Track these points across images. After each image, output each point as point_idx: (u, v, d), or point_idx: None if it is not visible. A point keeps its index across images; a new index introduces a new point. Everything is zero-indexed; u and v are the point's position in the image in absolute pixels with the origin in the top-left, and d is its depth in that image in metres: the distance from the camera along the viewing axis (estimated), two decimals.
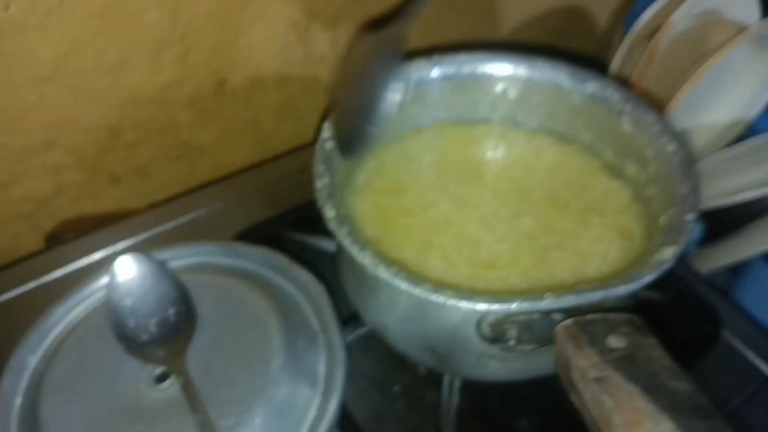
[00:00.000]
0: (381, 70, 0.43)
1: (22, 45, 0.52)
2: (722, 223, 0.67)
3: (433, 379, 0.49)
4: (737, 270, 0.66)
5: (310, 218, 0.56)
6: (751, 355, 0.49)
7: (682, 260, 0.68)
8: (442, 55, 0.50)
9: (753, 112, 0.74)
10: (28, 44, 0.53)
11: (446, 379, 0.45)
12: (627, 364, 0.28)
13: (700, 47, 0.68)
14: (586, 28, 0.94)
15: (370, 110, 0.43)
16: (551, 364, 0.41)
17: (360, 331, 0.48)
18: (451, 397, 0.44)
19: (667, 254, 0.36)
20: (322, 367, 0.43)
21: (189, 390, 0.39)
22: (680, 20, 0.64)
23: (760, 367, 0.48)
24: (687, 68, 0.65)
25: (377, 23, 0.44)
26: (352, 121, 0.44)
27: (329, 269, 0.49)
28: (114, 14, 0.55)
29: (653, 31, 0.65)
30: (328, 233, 0.53)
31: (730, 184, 0.65)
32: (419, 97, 0.50)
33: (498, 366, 0.40)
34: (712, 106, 0.74)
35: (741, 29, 0.65)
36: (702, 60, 0.63)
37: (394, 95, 0.45)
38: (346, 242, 0.37)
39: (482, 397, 0.49)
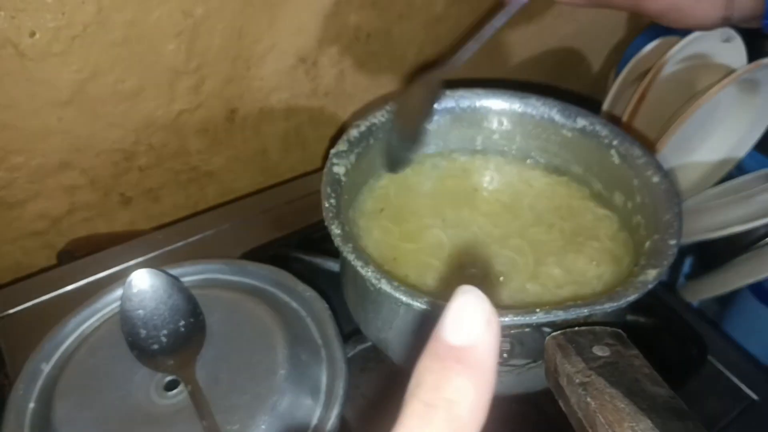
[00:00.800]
0: (427, 103, 0.52)
1: (45, 70, 0.55)
2: (711, 257, 0.70)
3: None
4: (725, 302, 0.69)
5: (314, 240, 0.59)
6: (736, 380, 0.51)
7: (672, 289, 0.70)
8: (443, 90, 0.53)
9: (741, 152, 0.76)
10: (51, 70, 0.56)
11: None
12: (610, 370, 0.31)
13: (689, 89, 0.71)
14: (581, 69, 0.98)
15: (416, 135, 0.52)
16: (541, 381, 0.43)
17: (361, 347, 0.50)
18: None
19: (651, 275, 0.39)
20: (323, 380, 0.45)
21: (197, 398, 0.41)
22: (670, 63, 0.67)
23: (745, 392, 0.50)
24: (676, 109, 0.68)
25: (428, 68, 0.53)
26: (403, 144, 0.52)
27: (332, 288, 0.51)
28: (133, 44, 0.58)
29: (644, 73, 0.69)
30: (331, 254, 0.56)
31: (718, 219, 0.68)
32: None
33: None
34: (701, 145, 0.77)
35: (729, 72, 0.68)
36: (691, 101, 0.66)
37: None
38: (351, 258, 0.39)
39: None
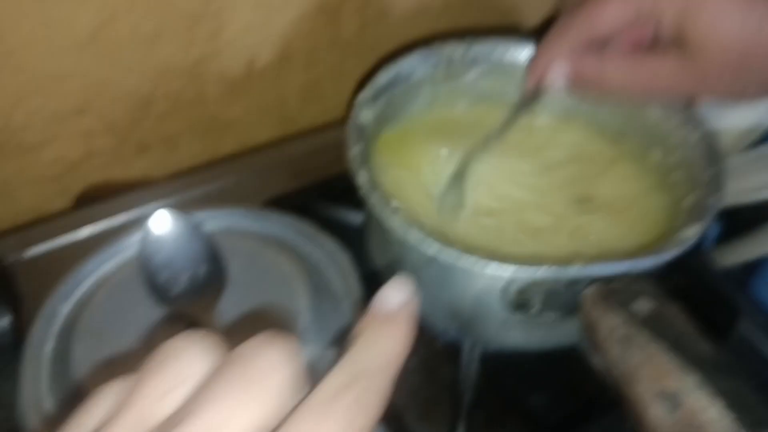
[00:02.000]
0: None
1: (63, 12, 0.54)
2: (740, 222, 0.68)
3: (448, 354, 0.50)
4: (753, 268, 0.67)
5: (335, 192, 0.58)
6: (766, 345, 0.50)
7: (700, 253, 0.69)
8: (475, 38, 0.51)
9: None
10: (69, 11, 0.54)
11: (466, 347, 0.46)
12: (653, 324, 0.29)
13: None
14: None
15: None
16: (572, 335, 0.42)
17: None
18: (470, 365, 0.45)
19: (692, 232, 0.37)
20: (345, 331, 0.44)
21: None
22: None
23: None
24: None
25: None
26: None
27: (354, 240, 0.50)
28: None
29: None
30: (354, 206, 0.54)
31: (748, 183, 0.66)
32: (450, 77, 0.51)
33: (520, 334, 0.41)
34: (732, 110, 0.75)
35: None
36: None
37: None
38: (378, 207, 0.38)
39: (499, 371, 0.49)
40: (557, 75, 0.45)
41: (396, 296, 0.24)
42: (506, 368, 0.50)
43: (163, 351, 0.20)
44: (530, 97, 0.47)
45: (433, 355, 0.51)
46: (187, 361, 0.20)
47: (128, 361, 0.38)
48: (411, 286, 0.25)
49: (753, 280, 0.67)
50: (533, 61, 0.47)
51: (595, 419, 0.44)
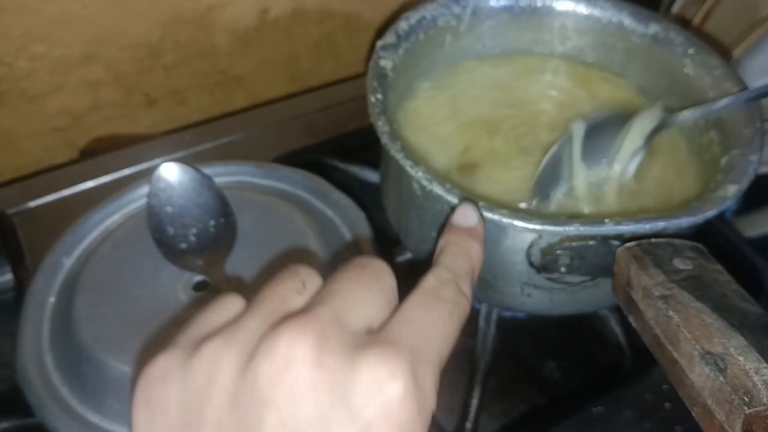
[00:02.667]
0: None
1: None
2: (764, 191, 0.66)
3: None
4: None
5: (349, 149, 0.56)
6: None
7: (725, 219, 0.67)
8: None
9: None
10: None
11: (483, 311, 0.44)
12: (694, 284, 0.27)
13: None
14: None
15: None
16: (594, 301, 0.41)
17: (399, 259, 0.47)
18: (488, 329, 0.43)
19: (730, 191, 0.35)
20: None
21: None
22: None
23: None
24: (753, 17, 0.62)
25: None
26: None
27: (368, 198, 0.48)
28: None
29: None
30: (368, 163, 0.52)
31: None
32: (475, 26, 0.48)
33: (541, 297, 0.39)
34: (766, 72, 0.72)
35: None
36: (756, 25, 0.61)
37: None
38: (399, 157, 0.36)
39: (513, 339, 0.48)
40: None
41: (472, 214, 0.31)
42: (520, 335, 0.49)
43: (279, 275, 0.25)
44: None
45: None
46: (305, 274, 0.25)
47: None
48: (478, 209, 0.32)
49: None
50: None
51: (609, 389, 0.43)
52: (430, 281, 0.25)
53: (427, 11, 0.46)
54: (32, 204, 0.50)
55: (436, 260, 0.27)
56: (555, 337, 0.49)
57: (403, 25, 0.45)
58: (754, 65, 0.68)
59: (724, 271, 0.29)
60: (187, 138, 0.56)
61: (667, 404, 0.41)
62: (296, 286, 0.24)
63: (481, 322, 0.44)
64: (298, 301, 0.23)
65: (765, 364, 0.24)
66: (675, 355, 0.26)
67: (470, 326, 0.47)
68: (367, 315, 0.22)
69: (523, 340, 0.49)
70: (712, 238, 0.53)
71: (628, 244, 0.31)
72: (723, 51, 0.54)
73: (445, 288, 0.25)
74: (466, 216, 0.31)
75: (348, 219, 0.46)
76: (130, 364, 0.37)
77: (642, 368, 0.44)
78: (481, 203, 0.33)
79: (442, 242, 0.29)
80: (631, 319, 0.30)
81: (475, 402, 0.41)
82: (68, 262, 0.43)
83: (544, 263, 0.36)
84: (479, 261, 0.29)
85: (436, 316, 0.23)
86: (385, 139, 0.37)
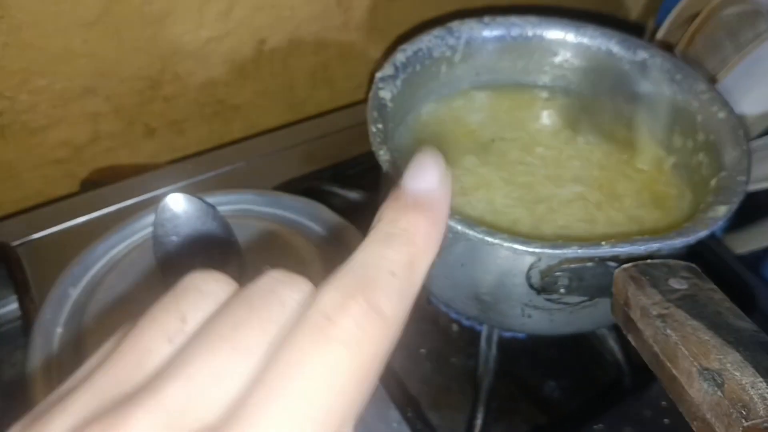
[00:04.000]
0: None
1: None
2: (753, 208, 0.67)
3: (464, 341, 0.49)
4: (765, 256, 0.67)
5: (348, 176, 0.57)
6: None
7: (716, 238, 0.68)
8: (493, 17, 0.50)
9: None
10: None
11: (485, 333, 0.45)
12: (690, 302, 0.29)
13: (739, 36, 0.68)
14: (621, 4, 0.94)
15: None
16: (593, 321, 0.42)
17: None
18: (489, 351, 0.44)
19: (720, 211, 0.37)
20: None
21: None
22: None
23: None
24: (736, 44, 0.64)
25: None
26: None
27: (366, 223, 0.49)
28: None
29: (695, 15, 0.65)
30: (366, 188, 0.53)
31: (761, 171, 0.65)
32: (469, 56, 0.50)
33: (541, 318, 0.40)
34: (746, 96, 0.74)
35: None
36: (736, 51, 0.63)
37: None
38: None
39: (513, 360, 0.49)
40: None
41: (431, 171, 0.20)
42: (520, 355, 0.50)
43: (178, 284, 0.19)
44: None
45: (447, 342, 0.50)
46: (193, 298, 0.18)
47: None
48: (443, 161, 0.20)
49: (765, 266, 0.66)
50: None
51: (610, 407, 0.44)
52: (318, 307, 0.16)
53: (423, 43, 0.47)
54: (36, 236, 0.51)
55: (353, 255, 0.18)
56: (555, 356, 0.50)
57: (400, 56, 0.46)
58: (737, 87, 0.70)
59: (718, 290, 0.30)
60: (188, 168, 0.57)
61: (665, 420, 0.42)
62: (170, 327, 0.17)
63: (483, 344, 0.45)
64: (159, 356, 0.17)
65: (761, 379, 0.25)
66: (674, 371, 0.27)
67: (467, 347, 0.48)
68: (235, 385, 0.15)
69: (523, 360, 0.50)
70: (704, 256, 0.54)
71: (625, 266, 0.32)
72: (707, 74, 0.56)
73: (339, 317, 0.16)
74: (420, 173, 0.20)
75: (348, 244, 0.47)
76: None
77: (640, 385, 0.45)
78: (481, 228, 0.35)
79: (381, 208, 0.20)
80: (630, 338, 0.31)
81: (479, 423, 0.41)
82: (75, 293, 0.44)
83: (544, 285, 0.37)
84: (429, 247, 0.19)
85: (320, 370, 0.15)
86: (386, 167, 0.38)
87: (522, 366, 0.49)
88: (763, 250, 0.67)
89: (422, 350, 0.50)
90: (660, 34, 0.65)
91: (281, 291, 0.18)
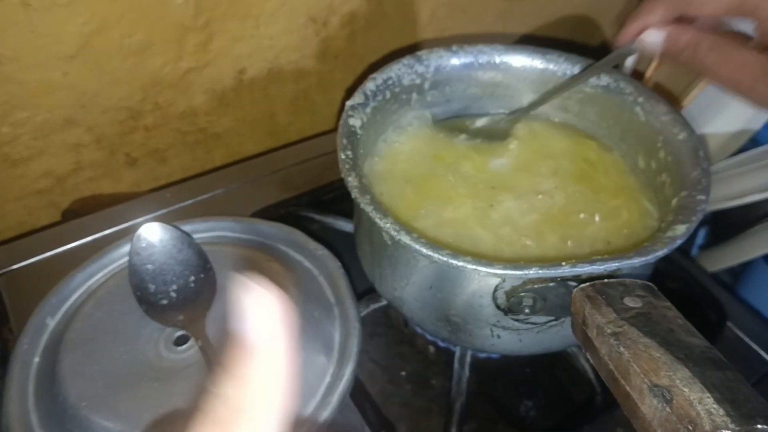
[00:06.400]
0: None
1: (50, 22, 0.53)
2: (726, 227, 0.69)
3: (442, 363, 0.50)
4: (739, 272, 0.68)
5: (324, 201, 0.58)
6: (755, 346, 0.50)
7: (689, 256, 0.69)
8: (461, 45, 0.52)
9: (757, 124, 0.75)
10: (56, 21, 0.54)
11: (458, 353, 0.46)
12: (643, 320, 0.29)
13: None
14: (598, 34, 0.96)
15: None
16: (561, 340, 0.42)
17: (374, 306, 0.49)
18: (462, 371, 0.45)
19: (680, 231, 0.37)
20: (337, 338, 0.43)
21: (207, 352, 0.40)
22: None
23: (765, 357, 0.49)
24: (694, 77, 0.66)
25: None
26: None
27: (344, 248, 0.50)
28: None
29: None
30: (343, 214, 0.54)
31: (733, 189, 0.67)
32: (438, 84, 0.51)
33: (510, 338, 0.41)
34: (718, 116, 0.75)
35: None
36: None
37: None
38: (369, 210, 0.38)
39: (490, 380, 0.50)
40: (654, 36, 0.45)
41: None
42: (496, 376, 0.50)
43: None
44: (619, 55, 0.47)
45: (425, 365, 0.51)
46: None
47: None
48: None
49: (739, 283, 0.67)
50: (632, 17, 0.46)
51: (582, 424, 0.44)
52: None
53: (392, 71, 0.49)
54: (16, 266, 0.51)
55: None
56: (530, 375, 0.51)
57: (370, 85, 0.47)
58: (700, 113, 0.72)
59: (672, 307, 0.31)
60: (168, 196, 0.58)
61: None
62: None
63: (456, 365, 0.45)
64: None
65: (708, 394, 0.25)
66: (627, 388, 0.27)
67: (445, 369, 0.49)
68: None
69: (498, 380, 0.50)
70: (676, 275, 0.55)
71: (583, 285, 0.33)
72: (673, 100, 0.58)
73: None
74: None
75: (325, 269, 0.47)
76: (115, 421, 0.38)
77: (612, 403, 0.45)
78: (445, 251, 0.35)
79: None
80: (589, 355, 0.31)
81: None
82: (52, 323, 0.45)
83: (510, 305, 0.38)
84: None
85: None
86: (355, 194, 0.39)
87: (498, 386, 0.50)
88: (736, 271, 0.68)
89: (402, 373, 0.51)
90: (630, 62, 0.66)
91: None
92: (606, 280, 0.33)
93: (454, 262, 0.35)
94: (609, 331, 0.29)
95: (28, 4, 0.52)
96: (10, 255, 0.52)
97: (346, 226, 0.53)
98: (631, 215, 0.46)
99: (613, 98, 0.49)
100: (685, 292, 0.53)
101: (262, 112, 0.71)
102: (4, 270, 0.51)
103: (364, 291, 0.49)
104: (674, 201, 0.41)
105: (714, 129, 0.75)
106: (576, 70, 0.50)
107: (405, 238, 0.36)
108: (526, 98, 0.53)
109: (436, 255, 0.36)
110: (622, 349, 0.28)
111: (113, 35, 0.57)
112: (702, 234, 0.74)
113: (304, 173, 0.62)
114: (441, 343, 0.50)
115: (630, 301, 0.31)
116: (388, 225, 0.37)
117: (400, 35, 0.75)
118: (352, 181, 0.40)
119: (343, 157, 0.41)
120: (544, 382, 0.50)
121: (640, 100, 0.48)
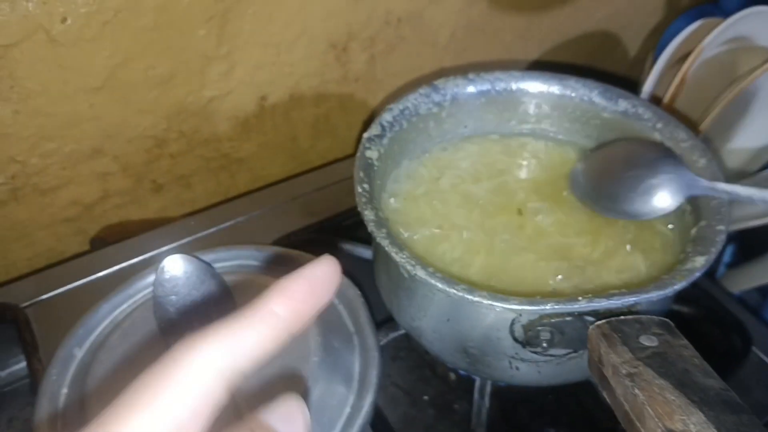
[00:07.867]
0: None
1: (77, 56, 0.55)
2: (753, 245, 0.68)
3: (463, 389, 0.50)
4: (767, 292, 0.66)
5: (345, 227, 0.58)
6: None
7: (713, 279, 0.68)
8: (477, 72, 0.52)
9: None
10: (82, 56, 0.55)
11: (478, 383, 0.46)
12: (659, 361, 0.29)
13: (731, 72, 0.69)
14: (617, 52, 0.96)
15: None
16: (581, 371, 0.42)
17: (393, 335, 0.49)
18: (482, 401, 0.45)
19: (699, 263, 0.37)
20: (356, 367, 0.44)
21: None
22: (711, 45, 0.65)
23: None
24: (718, 93, 0.66)
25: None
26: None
27: (364, 275, 0.51)
28: (164, 30, 0.57)
29: (685, 55, 0.66)
30: (363, 241, 0.55)
31: (759, 208, 0.66)
32: (455, 112, 0.52)
33: (529, 370, 0.41)
34: (742, 131, 0.74)
35: None
36: (732, 85, 0.64)
37: None
38: (385, 243, 0.38)
39: (512, 407, 0.49)
40: None
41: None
42: (518, 403, 0.50)
43: None
44: None
45: (447, 390, 0.51)
46: None
47: None
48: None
49: (765, 305, 0.66)
50: None
51: None
52: None
53: (409, 101, 0.49)
54: (45, 296, 0.53)
55: None
56: (553, 402, 0.51)
57: (387, 116, 0.48)
58: (733, 123, 0.71)
59: (689, 346, 0.31)
60: (192, 224, 0.59)
61: None
62: None
63: (476, 395, 0.45)
64: None
65: None
66: (642, 431, 0.27)
67: (467, 393, 0.49)
68: None
69: (521, 408, 0.50)
70: (700, 298, 0.54)
71: (598, 323, 0.33)
72: (692, 125, 0.57)
73: None
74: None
75: (345, 298, 0.48)
76: None
77: None
78: (461, 286, 0.36)
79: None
80: (604, 395, 0.31)
81: None
82: (79, 354, 0.46)
83: (528, 339, 0.38)
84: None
85: None
86: (371, 227, 0.40)
87: (521, 413, 0.50)
88: (764, 291, 0.67)
89: (425, 397, 0.51)
90: (647, 87, 0.66)
91: None
92: (622, 317, 0.33)
93: (470, 297, 0.35)
94: (624, 371, 0.29)
95: (55, 39, 0.53)
96: (38, 285, 0.54)
97: (365, 252, 0.54)
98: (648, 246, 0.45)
99: (631, 124, 0.49)
100: (709, 316, 0.52)
101: (284, 137, 0.72)
102: (34, 300, 0.53)
103: (383, 319, 0.49)
104: (693, 231, 0.41)
105: (739, 144, 0.74)
106: (593, 95, 0.50)
107: (420, 273, 0.37)
108: (545, 122, 0.53)
109: (451, 290, 0.36)
110: (637, 391, 0.28)
111: (138, 67, 0.58)
112: (729, 251, 0.73)
113: (325, 199, 0.63)
114: (461, 372, 0.50)
115: (646, 340, 0.31)
116: (403, 259, 0.37)
117: (420, 57, 0.76)
118: (368, 214, 0.40)
119: (359, 190, 0.42)
120: (568, 408, 0.50)
121: (659, 125, 0.48)
